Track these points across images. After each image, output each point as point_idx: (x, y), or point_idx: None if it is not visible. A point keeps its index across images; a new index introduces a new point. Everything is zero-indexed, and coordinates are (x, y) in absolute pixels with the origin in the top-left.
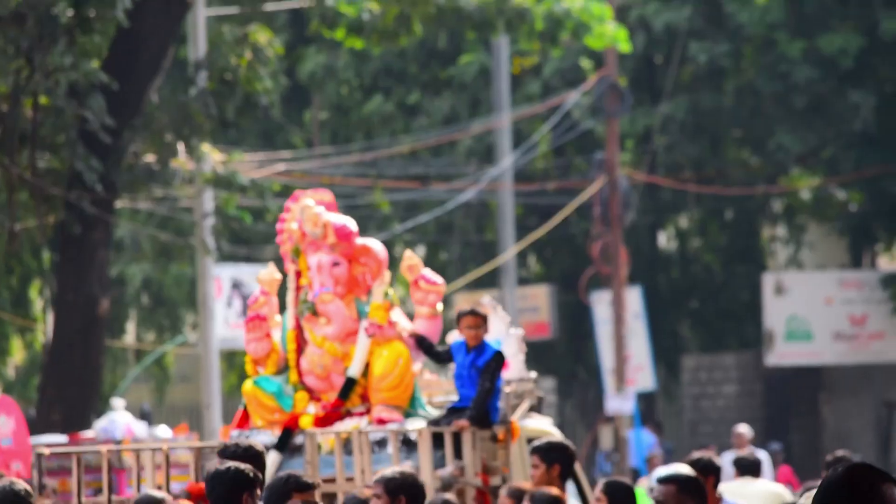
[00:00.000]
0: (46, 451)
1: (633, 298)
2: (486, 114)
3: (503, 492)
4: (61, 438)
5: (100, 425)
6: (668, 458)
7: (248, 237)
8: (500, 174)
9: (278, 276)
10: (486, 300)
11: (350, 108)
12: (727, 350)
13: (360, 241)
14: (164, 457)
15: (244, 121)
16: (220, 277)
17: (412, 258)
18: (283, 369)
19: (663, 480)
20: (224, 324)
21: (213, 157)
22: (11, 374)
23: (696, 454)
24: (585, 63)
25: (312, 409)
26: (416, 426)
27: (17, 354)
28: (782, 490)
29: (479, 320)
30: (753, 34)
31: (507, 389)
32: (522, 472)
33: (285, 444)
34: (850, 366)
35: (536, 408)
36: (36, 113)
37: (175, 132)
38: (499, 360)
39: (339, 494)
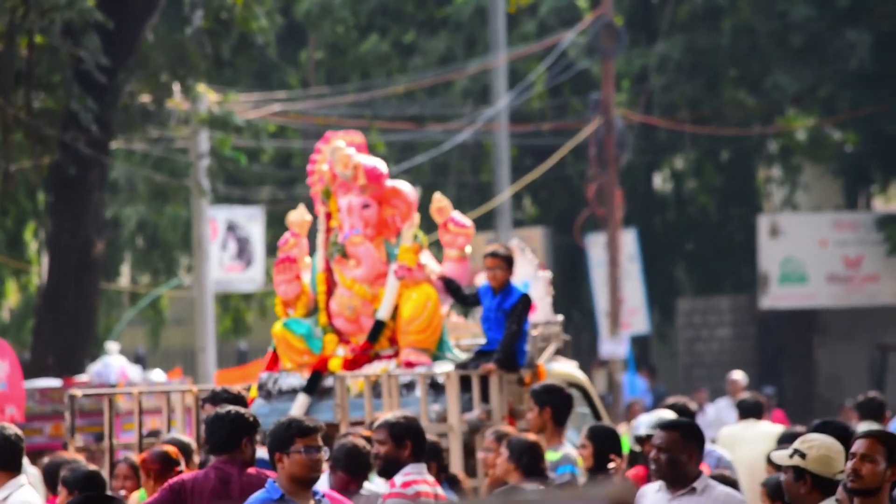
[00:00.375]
0: (79, 392)
1: (629, 241)
2: (481, 54)
3: (489, 434)
4: (55, 382)
5: (94, 369)
6: (659, 402)
7: (244, 178)
8: (496, 115)
9: (308, 217)
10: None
11: (346, 47)
12: (722, 293)
13: (390, 183)
14: (166, 400)
15: (240, 60)
16: (216, 219)
17: (441, 200)
18: (312, 311)
19: (666, 427)
20: (219, 266)
21: (208, 97)
22: (6, 317)
23: (671, 399)
24: (581, 2)
25: (341, 352)
26: (443, 369)
27: (12, 297)
28: (784, 431)
29: (499, 261)
30: None
31: (533, 332)
32: None
33: (314, 386)
34: (844, 308)
35: (563, 351)
36: (31, 52)
37: (171, 72)
38: (525, 302)
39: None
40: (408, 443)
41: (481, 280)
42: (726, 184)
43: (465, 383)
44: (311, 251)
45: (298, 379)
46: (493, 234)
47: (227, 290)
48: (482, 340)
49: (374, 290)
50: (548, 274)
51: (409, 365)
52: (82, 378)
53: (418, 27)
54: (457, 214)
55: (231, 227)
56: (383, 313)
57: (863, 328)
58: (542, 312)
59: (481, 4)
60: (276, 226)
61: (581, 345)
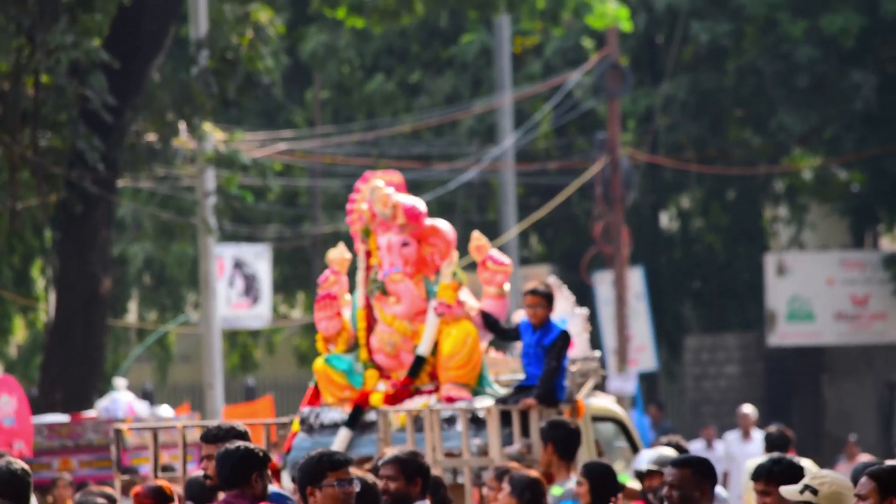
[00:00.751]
0: (125, 426)
1: (635, 278)
2: (487, 93)
3: (489, 471)
4: (63, 418)
5: (102, 405)
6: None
7: (250, 216)
8: (502, 154)
9: (348, 255)
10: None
11: (351, 87)
12: (729, 330)
13: (428, 221)
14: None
15: (245, 100)
16: (222, 257)
17: (480, 238)
18: (352, 347)
19: (678, 464)
20: (226, 303)
21: (214, 136)
22: (14, 353)
23: (665, 438)
24: (587, 42)
25: (382, 387)
26: (484, 404)
27: (20, 333)
28: (810, 465)
29: (540, 298)
30: (755, 14)
31: (572, 368)
32: (587, 449)
33: (356, 420)
34: (851, 346)
35: (601, 386)
36: (37, 92)
37: (176, 111)
38: (565, 339)
39: None
40: (418, 480)
41: (519, 317)
42: (733, 223)
43: (505, 418)
44: (351, 289)
45: (339, 413)
46: None
47: (235, 327)
48: (521, 376)
49: (413, 327)
50: (585, 311)
51: (450, 400)
52: (90, 414)
53: (424, 67)
54: (495, 252)
55: (238, 265)
56: (424, 349)
57: (870, 366)
58: (580, 348)
59: (487, 45)
60: (282, 263)
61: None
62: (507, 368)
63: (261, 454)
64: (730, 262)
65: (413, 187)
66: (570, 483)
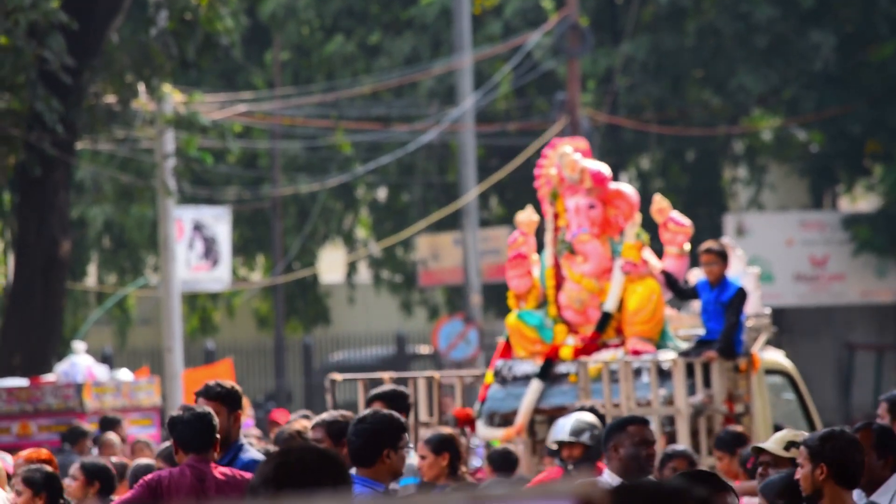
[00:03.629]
0: (339, 377)
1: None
2: (447, 54)
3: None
4: (22, 382)
5: (61, 368)
6: None
7: (210, 179)
8: (462, 115)
9: (535, 217)
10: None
11: (311, 48)
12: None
13: (613, 185)
14: (127, 399)
15: (204, 61)
16: (182, 219)
17: (662, 201)
18: (541, 304)
19: (640, 421)
20: (185, 266)
21: (173, 97)
22: None
23: (579, 403)
24: (546, 3)
25: (571, 341)
26: (667, 357)
27: None
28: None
29: (714, 256)
30: None
31: (748, 324)
32: (761, 401)
33: (547, 372)
34: (810, 307)
35: (772, 341)
36: None
37: (135, 72)
38: (742, 296)
39: (608, 418)
40: (344, 441)
41: (694, 275)
42: (692, 184)
43: (688, 370)
44: (538, 248)
45: (531, 366)
46: (459, 233)
47: (194, 290)
48: (696, 331)
49: (600, 284)
50: (756, 269)
51: (636, 353)
52: (49, 378)
53: (383, 28)
54: (676, 214)
55: (197, 227)
56: (610, 305)
57: (829, 327)
58: (753, 305)
59: (446, 5)
60: (242, 225)
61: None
62: (681, 324)
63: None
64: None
65: (372, 149)
66: None
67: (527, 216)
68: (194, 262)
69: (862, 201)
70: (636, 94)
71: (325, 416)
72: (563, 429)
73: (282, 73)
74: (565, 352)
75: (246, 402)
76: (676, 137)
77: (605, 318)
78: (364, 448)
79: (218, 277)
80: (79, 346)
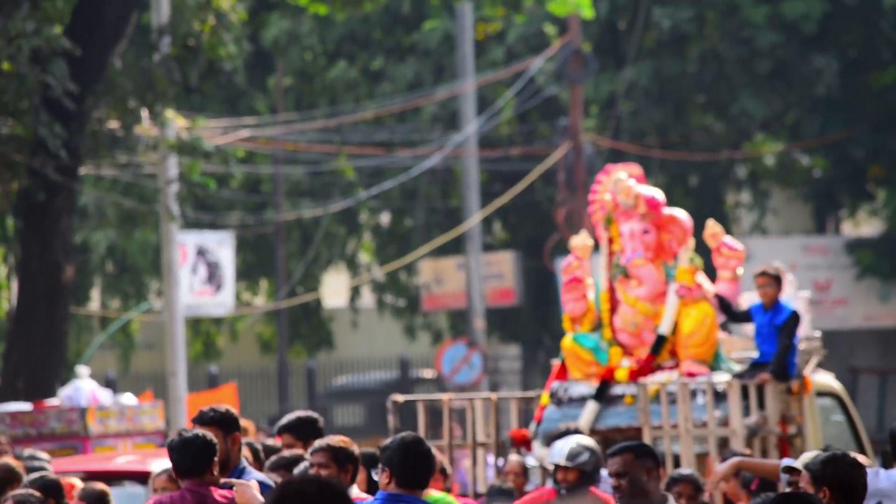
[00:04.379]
0: (401, 398)
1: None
2: (450, 80)
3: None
4: (26, 406)
5: (64, 393)
6: None
7: (213, 204)
8: (465, 140)
9: (590, 242)
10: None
11: (314, 73)
12: None
13: (667, 210)
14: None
15: (207, 87)
16: (185, 244)
17: (715, 226)
18: (596, 327)
19: (618, 452)
20: (189, 291)
21: (176, 123)
22: None
23: (563, 425)
24: (549, 29)
25: (626, 363)
26: (721, 379)
27: None
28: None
29: (768, 279)
30: None
31: (800, 346)
32: (812, 422)
33: (603, 394)
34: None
35: (822, 364)
36: None
37: (138, 98)
38: (795, 319)
39: (666, 439)
40: (349, 467)
41: (746, 298)
42: (695, 208)
43: (742, 392)
44: (593, 272)
45: (586, 387)
46: (462, 258)
47: (198, 315)
48: (749, 353)
49: (654, 308)
50: (807, 293)
51: (691, 375)
52: (53, 402)
53: (386, 54)
54: (729, 239)
55: (201, 252)
56: (665, 328)
57: (833, 351)
58: (804, 328)
59: (449, 31)
60: (245, 250)
61: (551, 368)
62: (732, 347)
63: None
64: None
65: (376, 174)
66: None
67: (581, 241)
68: (198, 287)
69: (865, 226)
70: (639, 120)
71: (328, 440)
72: (560, 452)
73: (285, 98)
74: (621, 374)
75: (251, 426)
76: (679, 162)
77: (660, 341)
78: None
79: (221, 302)
80: (82, 370)
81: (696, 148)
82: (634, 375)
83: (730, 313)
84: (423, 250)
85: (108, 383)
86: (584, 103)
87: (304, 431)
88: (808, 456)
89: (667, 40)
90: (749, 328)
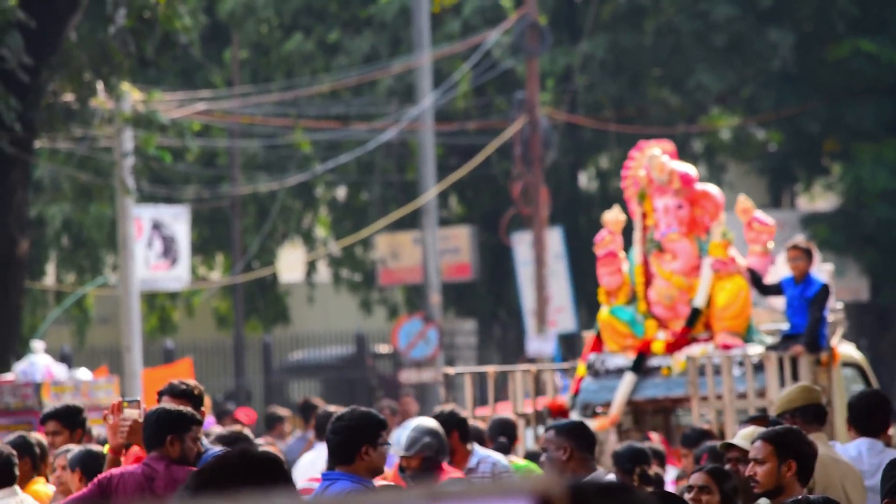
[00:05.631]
0: (452, 370)
1: (554, 239)
2: (406, 53)
3: None
4: None
5: (19, 368)
6: None
7: (169, 177)
8: (421, 114)
9: (622, 217)
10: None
11: (270, 46)
12: None
13: (699, 186)
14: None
15: (163, 60)
16: (141, 218)
17: (746, 201)
18: (630, 300)
19: (558, 429)
20: (144, 265)
21: (132, 96)
22: None
23: (438, 408)
24: (505, 1)
25: (662, 336)
26: (753, 351)
27: None
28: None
29: (800, 253)
30: None
31: (831, 318)
32: (840, 393)
33: (640, 365)
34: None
35: (845, 336)
36: None
37: (94, 71)
38: (826, 292)
39: (711, 410)
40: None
41: (775, 273)
42: None
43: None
44: (625, 247)
45: (623, 359)
46: (418, 232)
47: (153, 289)
48: (777, 326)
49: (689, 281)
50: (830, 266)
51: (726, 347)
52: (7, 377)
53: (342, 26)
54: (760, 214)
55: (156, 226)
56: (700, 301)
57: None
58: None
59: (405, 4)
60: (201, 224)
61: (508, 343)
62: (759, 319)
63: (183, 416)
64: None
65: (332, 147)
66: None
67: (614, 215)
68: (153, 261)
69: (820, 200)
70: (595, 93)
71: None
72: (398, 443)
73: (241, 71)
74: (657, 346)
75: (207, 401)
76: (635, 136)
77: (695, 314)
78: (342, 445)
79: (177, 276)
80: (37, 345)
81: (652, 121)
82: (670, 348)
83: (761, 287)
84: (380, 225)
85: (64, 358)
86: (540, 76)
87: (70, 420)
88: (745, 432)
89: (623, 13)
90: (774, 301)
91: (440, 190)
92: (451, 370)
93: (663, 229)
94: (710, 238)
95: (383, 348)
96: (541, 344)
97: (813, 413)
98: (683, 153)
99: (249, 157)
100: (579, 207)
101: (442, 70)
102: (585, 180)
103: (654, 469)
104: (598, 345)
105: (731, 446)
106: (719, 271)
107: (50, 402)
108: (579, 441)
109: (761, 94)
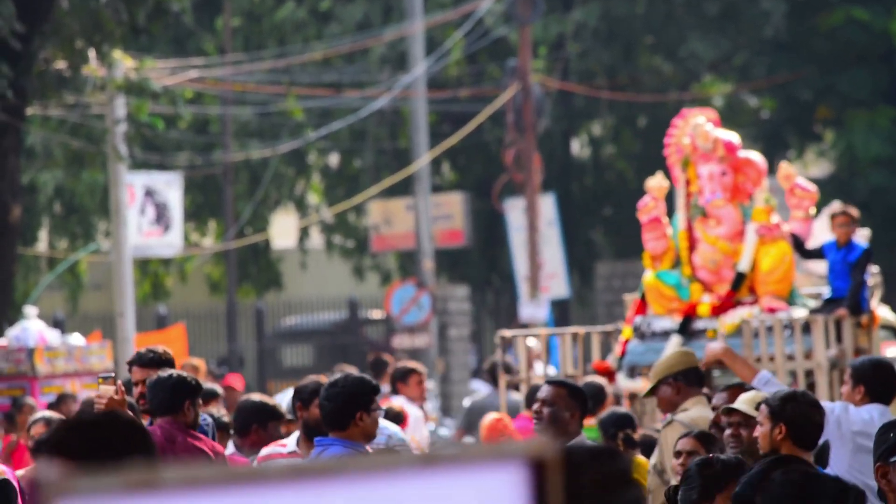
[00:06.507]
0: (509, 333)
1: (547, 206)
2: (398, 20)
3: None
4: None
5: (12, 333)
6: None
7: (161, 144)
8: (413, 81)
9: (665, 183)
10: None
11: (262, 14)
12: (640, 257)
13: (742, 153)
14: (79, 364)
15: (155, 27)
16: (133, 185)
17: (788, 168)
18: (675, 264)
19: (553, 382)
20: (137, 231)
21: (124, 63)
22: None
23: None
24: None
25: (707, 299)
26: (797, 314)
27: None
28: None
29: (846, 218)
30: None
31: (870, 282)
32: (878, 354)
33: (686, 328)
34: None
35: (883, 298)
36: None
37: (86, 38)
38: (868, 255)
39: (781, 372)
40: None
41: (817, 236)
42: (644, 150)
43: (808, 326)
44: (668, 213)
45: (668, 322)
46: (411, 199)
47: (146, 255)
48: (818, 289)
49: (733, 246)
50: (867, 231)
51: (771, 310)
52: (1, 342)
53: None
54: (802, 180)
55: (149, 193)
56: (744, 266)
57: None
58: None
59: None
60: (193, 191)
61: (501, 308)
62: (799, 283)
63: (193, 383)
64: (641, 189)
65: (324, 115)
66: None
67: (657, 182)
68: (146, 228)
69: (813, 167)
70: (587, 61)
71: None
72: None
73: (233, 38)
74: (703, 309)
75: (202, 365)
76: (628, 104)
77: (740, 278)
78: (336, 411)
79: (169, 243)
80: (30, 310)
81: (645, 89)
82: (716, 311)
83: (803, 251)
84: (372, 191)
85: (56, 324)
86: (532, 44)
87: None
88: (747, 397)
89: None
90: (813, 265)
91: (433, 157)
92: (508, 333)
93: (707, 196)
94: (753, 204)
95: (376, 314)
96: (534, 310)
97: (694, 376)
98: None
99: (242, 124)
100: (572, 174)
101: (434, 38)
102: (578, 147)
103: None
104: (642, 308)
105: (733, 411)
106: (764, 236)
107: (43, 368)
108: (584, 406)
109: (754, 62)
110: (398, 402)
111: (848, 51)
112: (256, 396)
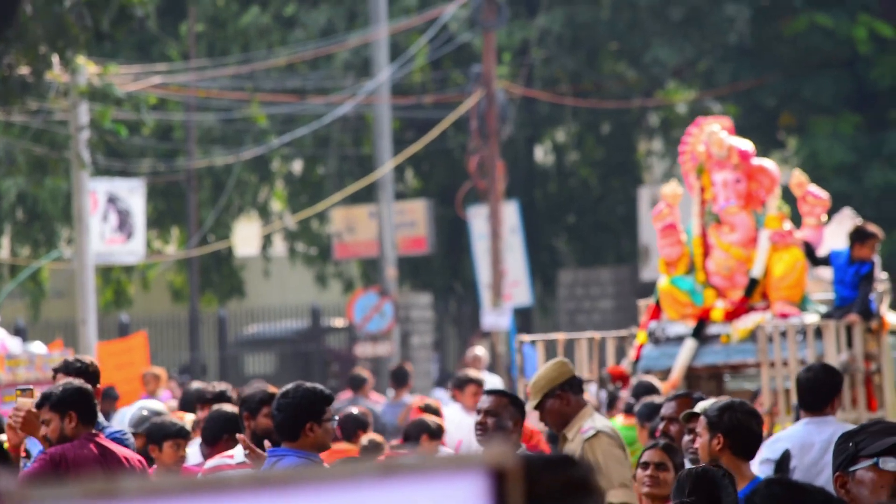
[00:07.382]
0: (528, 337)
1: (510, 213)
2: (362, 26)
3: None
4: None
5: None
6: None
7: (124, 151)
8: (377, 87)
9: (679, 191)
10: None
11: (226, 20)
12: (603, 264)
13: (756, 161)
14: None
15: (119, 33)
16: (96, 192)
17: (800, 175)
18: (689, 270)
19: (495, 392)
20: (99, 238)
21: (88, 69)
22: None
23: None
24: None
25: (721, 305)
26: (809, 320)
27: None
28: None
29: (877, 241)
30: None
31: (879, 288)
32: (888, 360)
33: (699, 332)
34: None
35: (892, 304)
36: None
37: (49, 44)
38: (875, 267)
39: (778, 376)
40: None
41: (826, 243)
42: (607, 157)
43: (819, 331)
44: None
45: (682, 327)
46: (374, 206)
47: (109, 263)
48: (829, 295)
49: (747, 252)
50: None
51: (783, 316)
52: None
53: (299, 0)
54: (814, 188)
55: (112, 200)
56: (757, 272)
57: None
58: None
59: None
60: (156, 198)
61: (463, 317)
62: (809, 289)
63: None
64: (604, 196)
65: (288, 121)
66: None
67: (671, 189)
68: (108, 235)
69: None
70: (551, 67)
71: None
72: (122, 421)
73: (197, 44)
74: (716, 314)
75: (163, 373)
76: (591, 110)
77: (753, 284)
78: (288, 422)
79: (132, 250)
80: None
81: (609, 96)
82: (729, 316)
83: (813, 258)
84: (336, 198)
85: (18, 331)
86: (496, 50)
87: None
88: (706, 403)
89: None
90: (822, 272)
91: (396, 164)
92: (526, 337)
93: (721, 203)
94: (766, 211)
95: (338, 322)
96: (496, 318)
97: (578, 384)
98: (639, 127)
99: (205, 130)
100: (535, 181)
101: (399, 44)
102: (542, 154)
103: None
104: (656, 313)
105: (693, 416)
106: (777, 243)
107: (3, 376)
108: (524, 414)
109: (717, 68)
110: (454, 409)
111: (812, 57)
112: (228, 407)
